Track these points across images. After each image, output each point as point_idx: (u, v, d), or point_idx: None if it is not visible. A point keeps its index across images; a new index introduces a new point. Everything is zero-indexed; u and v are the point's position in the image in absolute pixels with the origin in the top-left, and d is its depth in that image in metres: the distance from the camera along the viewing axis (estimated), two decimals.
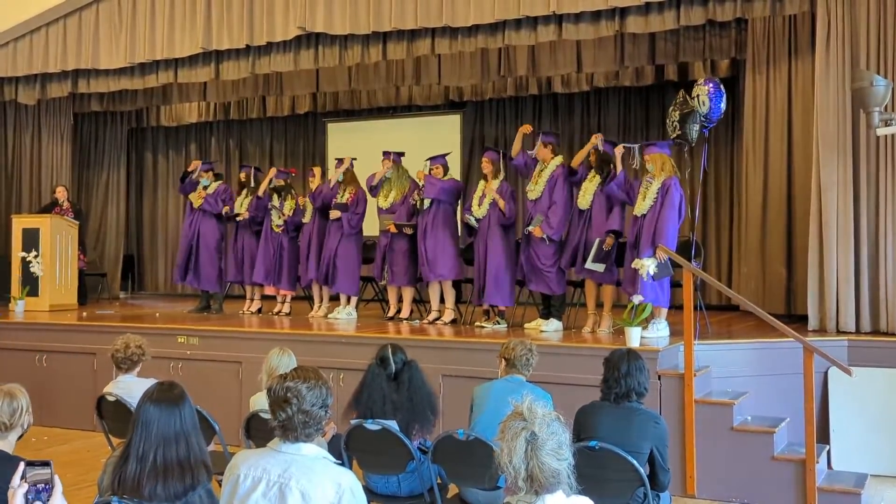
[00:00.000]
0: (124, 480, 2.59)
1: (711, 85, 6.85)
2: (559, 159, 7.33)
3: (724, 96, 6.85)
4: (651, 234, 6.53)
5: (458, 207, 8.23)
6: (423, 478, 4.18)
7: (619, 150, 7.02)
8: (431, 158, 8.02)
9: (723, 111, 6.90)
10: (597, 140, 7.12)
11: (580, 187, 7.20)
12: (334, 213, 8.33)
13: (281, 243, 8.89)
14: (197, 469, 2.62)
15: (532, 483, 2.23)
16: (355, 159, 8.69)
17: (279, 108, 12.15)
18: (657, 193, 6.60)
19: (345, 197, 8.39)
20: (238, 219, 9.16)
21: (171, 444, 2.60)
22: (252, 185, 9.22)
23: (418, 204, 7.89)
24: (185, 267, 9.21)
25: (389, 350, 4.42)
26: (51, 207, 10.39)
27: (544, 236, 7.05)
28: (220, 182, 9.42)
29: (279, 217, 8.84)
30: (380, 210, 8.25)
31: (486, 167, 7.65)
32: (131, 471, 2.58)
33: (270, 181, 8.97)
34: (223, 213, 9.17)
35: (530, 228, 7.13)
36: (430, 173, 7.88)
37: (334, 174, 8.59)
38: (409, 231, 7.96)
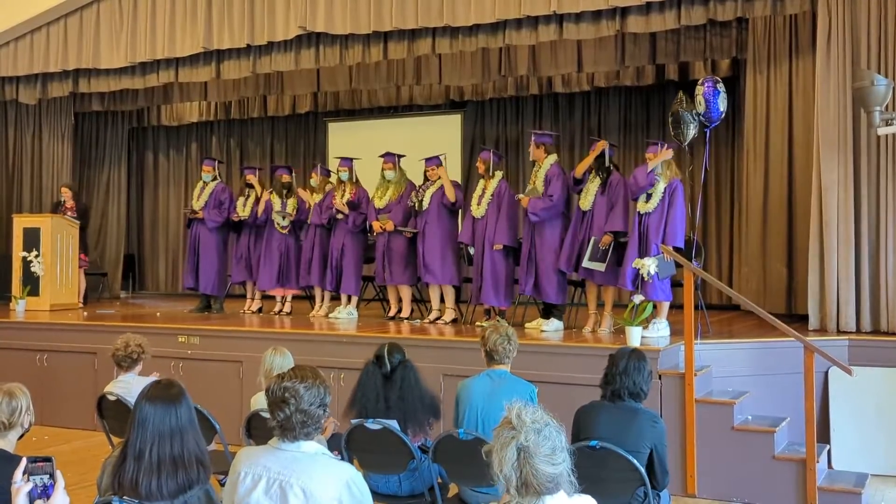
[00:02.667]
0: (123, 480, 2.58)
1: (708, 84, 6.85)
2: (553, 158, 7.33)
3: (722, 95, 6.84)
4: (658, 234, 6.54)
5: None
6: (424, 477, 4.18)
7: (602, 144, 7.06)
8: (427, 160, 8.02)
9: (722, 111, 6.89)
10: (604, 146, 7.10)
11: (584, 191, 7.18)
12: (342, 206, 8.27)
13: (287, 244, 8.89)
14: (191, 466, 2.59)
15: (527, 489, 2.22)
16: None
17: (280, 108, 12.15)
18: (663, 193, 6.61)
19: (345, 196, 8.37)
20: (237, 218, 9.17)
21: (165, 441, 2.58)
22: (257, 187, 9.21)
23: (416, 205, 7.88)
24: (194, 272, 9.27)
25: (386, 349, 4.41)
26: (56, 207, 10.41)
27: (526, 208, 7.08)
28: (217, 182, 9.42)
29: (284, 218, 8.81)
30: (376, 210, 8.25)
31: (480, 167, 7.67)
32: (129, 469, 2.57)
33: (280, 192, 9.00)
34: (227, 219, 9.19)
35: (520, 195, 7.17)
36: (424, 174, 7.96)
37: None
38: (409, 235, 7.96)
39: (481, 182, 7.71)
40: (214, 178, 9.40)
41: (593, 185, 7.06)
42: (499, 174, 7.65)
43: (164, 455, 2.57)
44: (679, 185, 6.65)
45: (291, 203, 8.88)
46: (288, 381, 2.69)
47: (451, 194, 7.78)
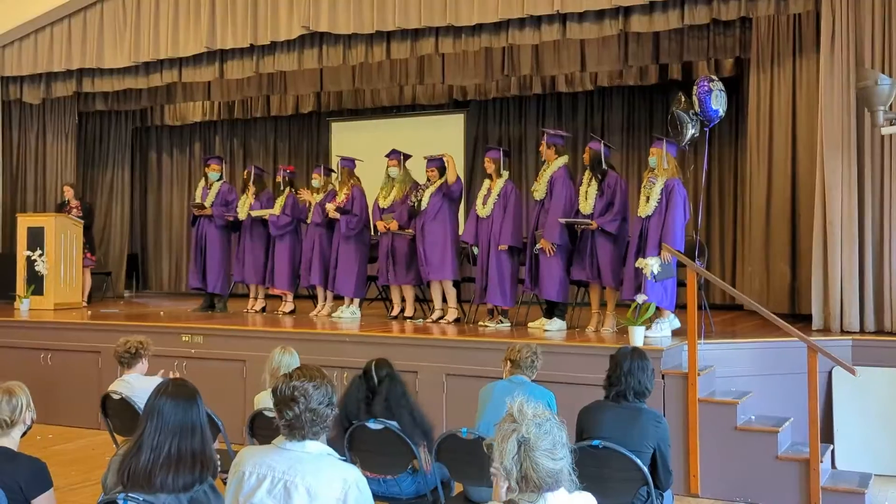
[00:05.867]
0: (135, 471, 2.61)
1: (702, 84, 6.87)
2: (563, 160, 7.32)
3: (716, 94, 6.83)
4: (658, 236, 6.53)
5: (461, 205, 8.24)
6: (428, 479, 4.19)
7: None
8: (428, 160, 8.02)
9: (718, 109, 6.87)
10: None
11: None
12: (333, 214, 8.33)
13: (274, 242, 8.90)
14: (207, 462, 2.66)
15: (527, 483, 2.22)
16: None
17: (283, 108, 12.17)
18: (661, 194, 6.59)
19: (340, 198, 8.37)
20: (230, 217, 9.19)
21: (186, 435, 2.65)
22: (252, 183, 9.21)
23: (416, 205, 7.88)
24: (199, 271, 9.29)
25: (374, 364, 4.36)
26: (60, 207, 10.44)
27: (552, 246, 7.03)
28: (222, 182, 9.43)
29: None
30: (380, 210, 8.26)
31: (489, 166, 7.64)
32: (144, 461, 2.61)
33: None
34: (230, 219, 9.21)
35: (538, 249, 7.13)
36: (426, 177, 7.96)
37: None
38: (408, 236, 7.96)
39: (486, 182, 7.70)
40: (221, 178, 9.42)
41: (591, 189, 7.05)
42: (505, 174, 7.65)
43: (185, 450, 2.63)
44: (677, 186, 6.59)
45: (279, 202, 8.86)
46: (297, 380, 2.69)
47: (452, 176, 7.76)
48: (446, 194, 7.82)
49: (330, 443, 2.80)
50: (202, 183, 9.51)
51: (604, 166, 7.04)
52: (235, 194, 9.44)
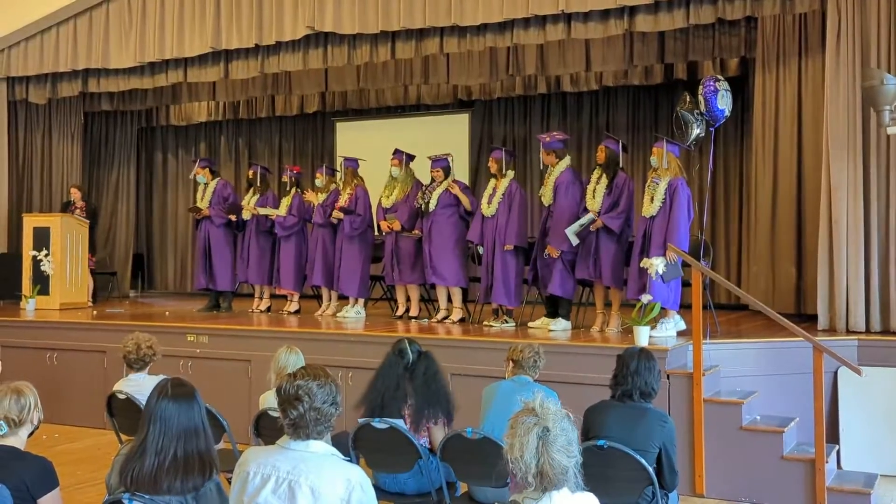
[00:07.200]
0: (139, 475, 2.61)
1: (708, 84, 6.85)
2: (565, 162, 7.29)
3: (722, 93, 6.81)
4: (662, 236, 6.51)
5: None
6: (432, 477, 4.19)
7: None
8: (434, 160, 8.01)
9: (723, 109, 6.85)
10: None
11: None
12: (337, 214, 8.35)
13: (280, 242, 8.91)
14: (213, 461, 2.67)
15: (542, 479, 2.23)
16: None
17: (288, 108, 12.18)
18: (665, 194, 6.58)
19: (343, 199, 8.38)
20: (242, 216, 9.20)
21: (191, 438, 2.66)
22: (258, 183, 9.22)
23: (423, 206, 7.88)
24: (205, 272, 9.31)
25: (406, 342, 4.53)
26: (66, 207, 10.47)
27: (559, 253, 7.02)
28: (217, 179, 9.45)
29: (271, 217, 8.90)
30: (383, 210, 8.26)
31: (493, 166, 7.64)
32: (148, 465, 2.61)
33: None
34: (231, 219, 9.21)
35: (546, 255, 7.11)
36: (432, 177, 7.94)
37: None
38: (415, 237, 7.96)
39: (491, 181, 7.69)
40: (213, 177, 9.43)
41: (600, 187, 7.03)
42: (510, 173, 7.64)
43: (192, 453, 2.64)
44: (681, 185, 6.56)
45: (284, 202, 8.88)
46: (301, 379, 2.70)
47: (467, 204, 7.79)
48: (462, 217, 7.86)
49: (338, 439, 2.81)
50: (202, 185, 9.54)
51: (620, 165, 7.02)
52: (230, 189, 9.46)
